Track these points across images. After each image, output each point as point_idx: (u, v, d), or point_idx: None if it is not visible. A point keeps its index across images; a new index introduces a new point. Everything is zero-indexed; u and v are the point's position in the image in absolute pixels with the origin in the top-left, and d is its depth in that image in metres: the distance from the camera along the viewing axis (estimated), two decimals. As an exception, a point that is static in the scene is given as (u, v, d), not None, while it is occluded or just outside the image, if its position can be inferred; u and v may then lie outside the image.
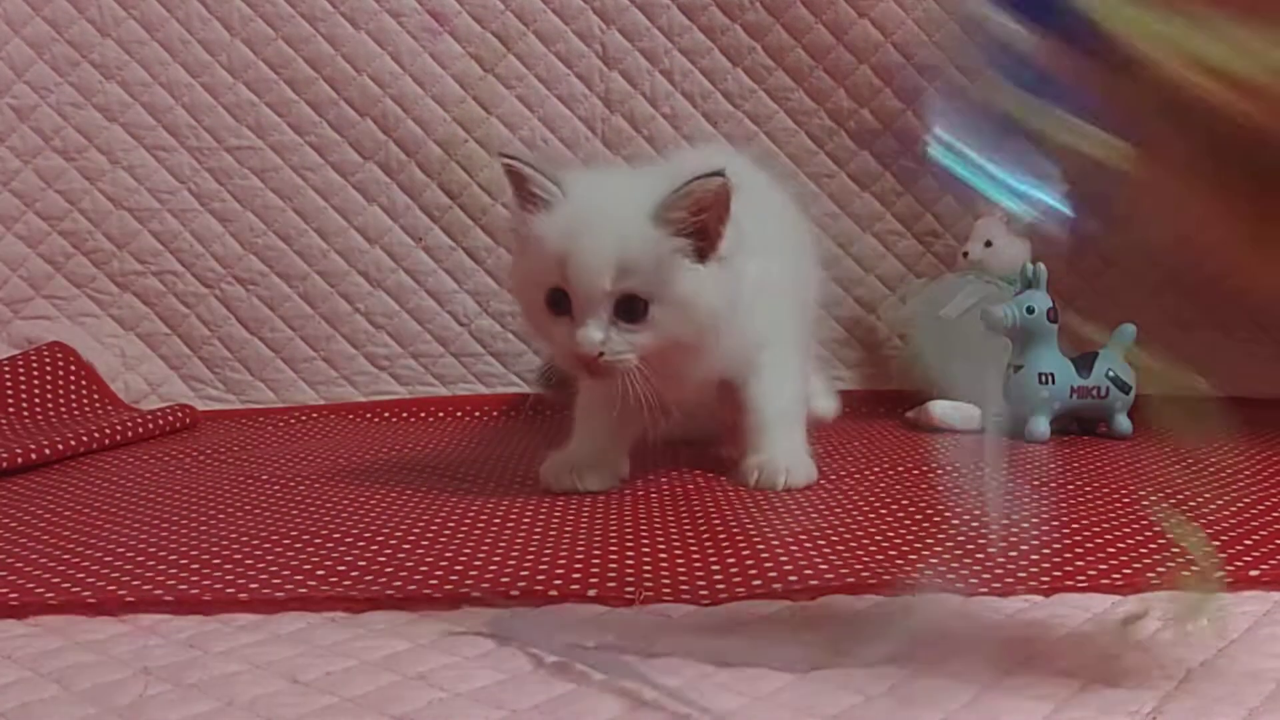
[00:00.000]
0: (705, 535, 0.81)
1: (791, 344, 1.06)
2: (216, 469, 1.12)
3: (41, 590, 0.69)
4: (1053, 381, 1.23)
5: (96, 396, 1.40)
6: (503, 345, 1.51)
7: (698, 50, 1.51)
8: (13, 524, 0.89)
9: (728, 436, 1.09)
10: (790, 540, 0.79)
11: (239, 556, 0.77)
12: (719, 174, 0.87)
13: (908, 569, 0.72)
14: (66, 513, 0.93)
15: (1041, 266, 1.25)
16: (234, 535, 0.83)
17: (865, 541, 0.79)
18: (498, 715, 0.50)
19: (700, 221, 0.89)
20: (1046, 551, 0.75)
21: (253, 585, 0.69)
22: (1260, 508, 0.89)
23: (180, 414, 1.39)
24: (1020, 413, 1.24)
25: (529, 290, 0.92)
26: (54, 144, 1.47)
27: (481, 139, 1.49)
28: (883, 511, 0.88)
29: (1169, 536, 0.59)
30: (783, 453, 1.00)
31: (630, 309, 0.88)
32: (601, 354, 0.88)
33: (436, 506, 0.92)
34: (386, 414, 1.47)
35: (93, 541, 0.82)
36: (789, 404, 1.04)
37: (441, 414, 1.47)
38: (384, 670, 0.56)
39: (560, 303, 0.89)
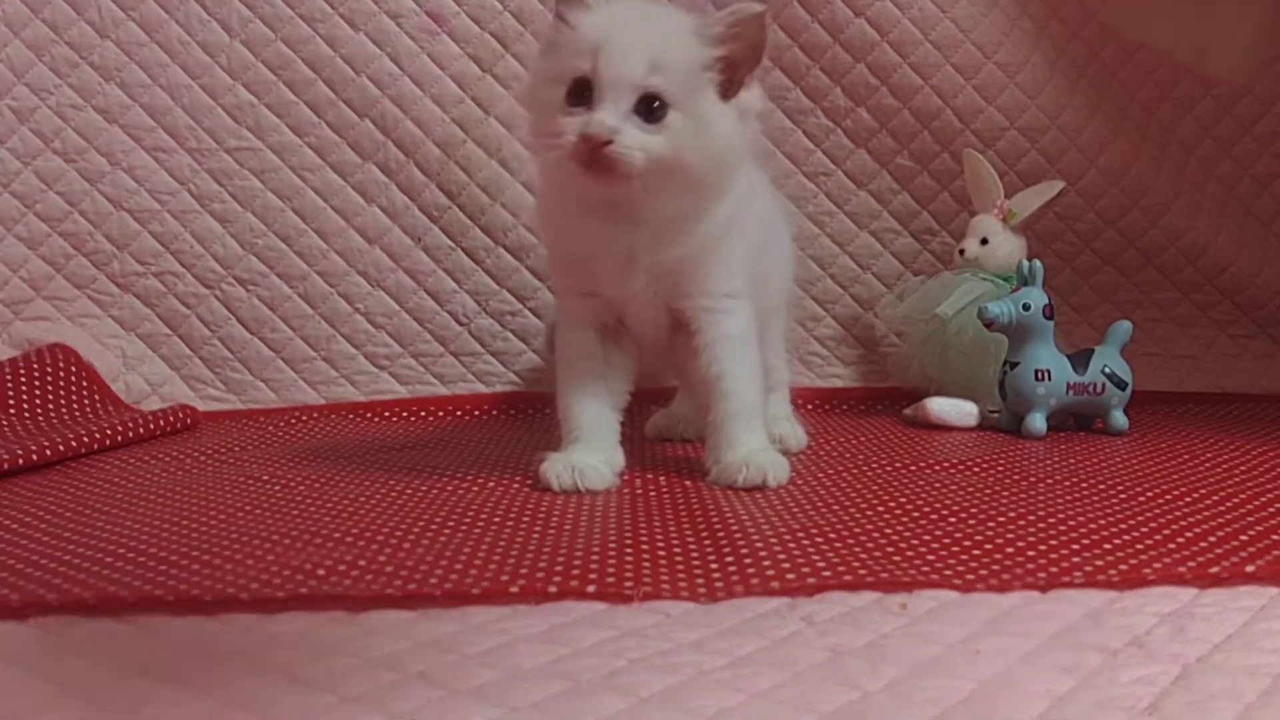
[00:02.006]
0: (704, 532, 0.82)
1: (752, 314, 1.05)
2: (217, 469, 1.12)
3: (42, 591, 0.70)
4: (1049, 378, 1.23)
5: (97, 397, 1.41)
6: (502, 345, 1.51)
7: (695, 49, 1.50)
8: (13, 524, 0.90)
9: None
10: (788, 537, 0.79)
11: (239, 556, 0.77)
12: (762, 10, 0.92)
13: (905, 565, 0.72)
14: (67, 513, 0.93)
15: (1038, 263, 1.26)
16: (234, 535, 0.83)
17: (863, 538, 0.79)
18: (497, 713, 0.50)
19: (729, 56, 0.92)
20: (1043, 547, 0.76)
21: (253, 585, 0.70)
22: (1255, 504, 0.89)
23: (181, 414, 1.39)
24: (1017, 409, 1.25)
25: (549, 88, 0.93)
26: (54, 146, 1.47)
27: (480, 139, 1.49)
28: (880, 509, 0.88)
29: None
30: (760, 447, 1.01)
31: (650, 109, 0.90)
32: (609, 142, 0.88)
33: (436, 505, 0.92)
34: (386, 413, 1.48)
35: (93, 542, 0.82)
36: (758, 396, 1.04)
37: (441, 413, 1.47)
38: (384, 669, 0.56)
39: (582, 94, 0.91)
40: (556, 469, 0.98)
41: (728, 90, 0.94)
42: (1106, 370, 1.25)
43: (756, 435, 1.01)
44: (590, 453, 1.00)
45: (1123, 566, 0.71)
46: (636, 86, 0.89)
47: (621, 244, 0.97)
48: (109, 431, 1.25)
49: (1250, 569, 0.70)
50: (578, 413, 1.02)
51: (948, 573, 0.70)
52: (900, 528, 0.82)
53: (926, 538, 0.79)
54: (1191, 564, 0.71)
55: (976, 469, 1.04)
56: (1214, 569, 0.70)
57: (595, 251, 0.99)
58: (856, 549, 0.76)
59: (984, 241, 1.39)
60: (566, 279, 1.05)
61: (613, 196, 0.93)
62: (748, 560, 0.74)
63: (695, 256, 0.99)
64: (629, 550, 0.77)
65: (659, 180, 0.91)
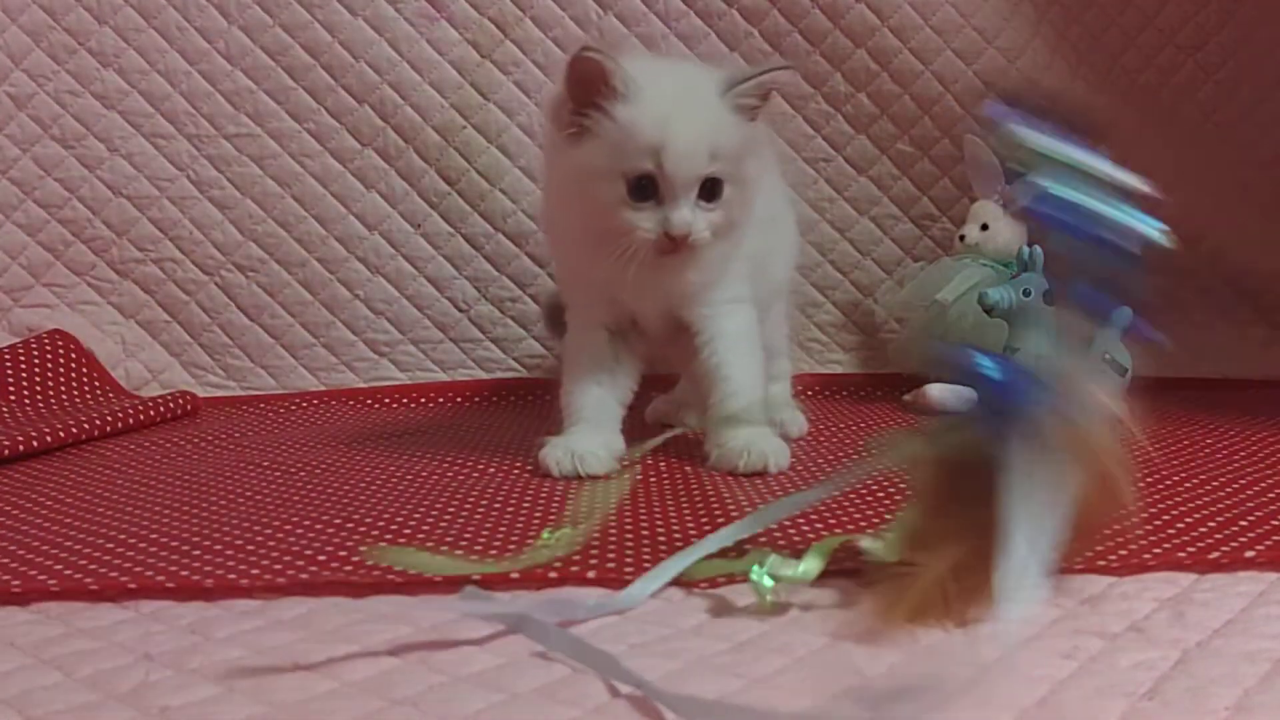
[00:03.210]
0: (704, 518, 0.82)
1: (749, 294, 1.08)
2: (217, 455, 1.12)
3: (44, 577, 0.70)
4: (1050, 364, 1.23)
5: (97, 384, 1.41)
6: (502, 331, 1.51)
7: (695, 35, 1.50)
8: (15, 511, 0.90)
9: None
10: (788, 523, 0.79)
11: (240, 542, 0.77)
12: (789, 67, 0.97)
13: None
14: (68, 500, 0.94)
15: (1038, 249, 1.25)
16: (235, 521, 0.83)
17: (863, 524, 0.79)
18: (498, 699, 0.51)
19: (758, 109, 0.96)
20: (1043, 534, 0.76)
21: (254, 571, 0.70)
22: (1255, 489, 0.89)
23: (181, 401, 1.39)
24: (1018, 396, 1.25)
25: (605, 184, 0.93)
26: (52, 132, 1.46)
27: (479, 125, 1.49)
28: (880, 495, 0.88)
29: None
30: (760, 433, 1.01)
31: (710, 190, 0.94)
32: (689, 233, 0.93)
33: (436, 492, 0.92)
34: (386, 400, 1.48)
35: (94, 528, 0.82)
36: (758, 386, 1.05)
37: (441, 399, 1.47)
38: (385, 655, 0.56)
39: (645, 189, 0.93)
40: (556, 454, 0.98)
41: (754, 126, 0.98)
42: (1106, 356, 1.25)
43: (757, 421, 1.02)
44: (590, 437, 1.00)
45: (1122, 552, 0.71)
46: (700, 178, 0.93)
47: (650, 285, 1.00)
48: (109, 418, 1.25)
49: (1250, 554, 0.70)
50: (580, 399, 1.03)
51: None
52: (899, 513, 0.82)
53: (926, 523, 0.79)
54: (1191, 549, 0.71)
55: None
56: (1214, 554, 0.70)
57: (623, 293, 1.02)
58: (856, 534, 0.76)
59: (984, 227, 1.38)
60: (579, 295, 1.07)
61: (670, 264, 0.97)
62: (747, 546, 0.74)
63: (708, 278, 1.02)
64: (629, 536, 0.77)
65: (709, 245, 0.96)
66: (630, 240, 0.93)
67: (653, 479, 0.97)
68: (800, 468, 1.00)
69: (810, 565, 0.64)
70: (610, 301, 1.04)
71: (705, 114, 0.93)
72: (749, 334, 1.05)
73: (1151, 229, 0.61)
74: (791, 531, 0.77)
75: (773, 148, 1.26)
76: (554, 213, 1.08)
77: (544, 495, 0.91)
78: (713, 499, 0.88)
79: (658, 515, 0.83)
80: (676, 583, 0.67)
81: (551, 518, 0.83)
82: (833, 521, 0.80)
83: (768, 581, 0.63)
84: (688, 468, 1.01)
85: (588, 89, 0.91)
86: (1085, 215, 0.60)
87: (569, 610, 0.61)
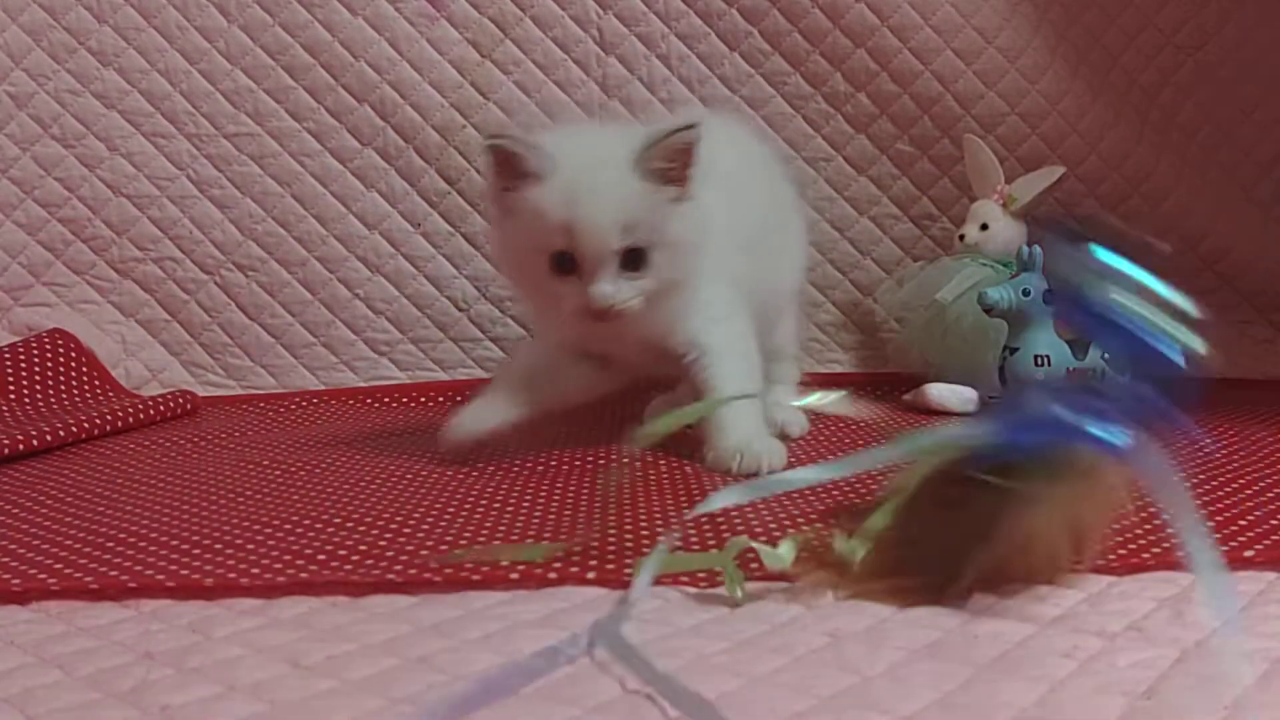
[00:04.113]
0: (702, 518, 0.81)
1: (740, 305, 1.08)
2: (217, 454, 1.13)
3: (44, 576, 0.70)
4: (1048, 364, 1.23)
5: (97, 383, 1.41)
6: (502, 330, 1.51)
7: (695, 35, 1.50)
8: (15, 510, 0.90)
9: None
10: (787, 522, 0.79)
11: (240, 541, 0.77)
12: (694, 125, 0.95)
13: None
14: (68, 499, 0.94)
15: (1038, 249, 1.25)
16: (235, 520, 0.83)
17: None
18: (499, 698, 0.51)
19: (675, 168, 0.96)
20: (1042, 533, 0.76)
21: (254, 570, 0.70)
22: (1255, 489, 0.89)
23: (181, 400, 1.39)
24: (1017, 395, 1.25)
25: (529, 257, 0.97)
26: (52, 131, 1.46)
27: (479, 124, 1.49)
28: (879, 493, 0.88)
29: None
30: (755, 434, 1.01)
31: (633, 259, 0.95)
32: (612, 305, 0.95)
33: (437, 491, 0.92)
34: (386, 399, 1.48)
35: (94, 527, 0.83)
36: (748, 381, 1.05)
37: (441, 399, 1.47)
38: (385, 654, 0.56)
39: (565, 264, 0.95)
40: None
41: (680, 191, 0.97)
42: (1106, 356, 1.25)
43: (752, 422, 1.02)
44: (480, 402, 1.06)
45: (1121, 551, 0.71)
46: (614, 251, 0.94)
47: (607, 339, 1.03)
48: (109, 417, 1.25)
49: (1249, 554, 0.70)
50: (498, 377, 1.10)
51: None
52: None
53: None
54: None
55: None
56: (1213, 554, 0.70)
57: (586, 345, 1.05)
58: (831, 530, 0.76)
59: (984, 227, 1.39)
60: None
61: (621, 335, 1.00)
62: (727, 536, 0.74)
63: (663, 330, 1.03)
64: (629, 535, 0.77)
65: (654, 300, 0.97)
66: (560, 312, 0.97)
67: (652, 477, 0.97)
68: (800, 465, 1.00)
69: (785, 553, 0.66)
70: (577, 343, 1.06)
71: (615, 188, 0.94)
72: (736, 345, 1.06)
73: (1196, 344, 0.66)
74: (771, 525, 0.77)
75: (771, 163, 1.25)
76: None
77: (543, 494, 0.91)
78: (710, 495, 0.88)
79: (657, 515, 0.83)
80: (676, 582, 0.67)
81: (551, 516, 0.83)
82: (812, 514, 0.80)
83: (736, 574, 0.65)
84: (687, 468, 1.01)
85: (507, 171, 0.94)
86: (1146, 328, 0.66)
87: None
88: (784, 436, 1.14)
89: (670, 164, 0.95)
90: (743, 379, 1.04)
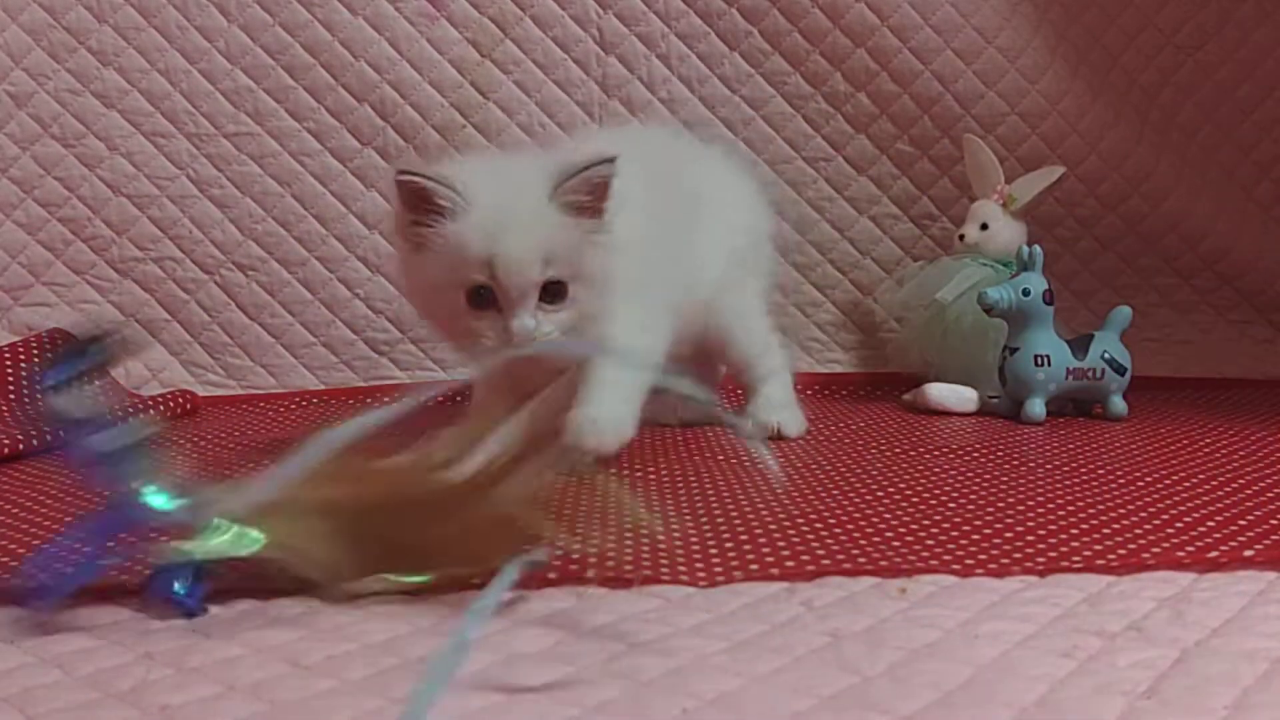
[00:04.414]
0: (703, 517, 0.82)
1: (659, 318, 1.06)
2: (217, 454, 1.12)
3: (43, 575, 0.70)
4: (1049, 363, 1.23)
5: (97, 382, 1.40)
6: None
7: (694, 34, 1.50)
8: (14, 510, 0.90)
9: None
10: (787, 522, 0.79)
11: (240, 541, 0.77)
12: (612, 160, 0.93)
13: (904, 550, 0.72)
14: (67, 498, 0.93)
15: (1038, 249, 1.26)
16: (235, 520, 0.83)
17: (862, 523, 0.79)
18: (498, 698, 0.51)
19: (593, 200, 0.95)
20: (1042, 532, 0.76)
21: (253, 569, 0.70)
22: (1254, 489, 0.89)
23: (181, 399, 1.39)
24: (1016, 394, 1.25)
25: (445, 292, 0.95)
26: (52, 131, 1.46)
27: (479, 124, 1.49)
28: (879, 494, 0.88)
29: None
30: (606, 409, 0.99)
31: (552, 292, 0.94)
32: (533, 338, 0.93)
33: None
34: (386, 399, 1.47)
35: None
36: (617, 370, 1.03)
37: (441, 398, 1.47)
38: (385, 654, 0.56)
39: (483, 298, 0.94)
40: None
41: (596, 223, 0.96)
42: (1106, 356, 1.25)
43: (610, 397, 1.00)
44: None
45: (1121, 551, 0.71)
46: (536, 284, 0.93)
47: (534, 373, 1.00)
48: (108, 417, 1.25)
49: (1249, 553, 0.70)
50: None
51: (946, 557, 0.70)
52: (899, 513, 0.82)
53: (925, 523, 0.79)
54: (1190, 549, 0.71)
55: (976, 454, 1.04)
56: (1213, 553, 0.70)
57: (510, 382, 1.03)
58: (855, 534, 0.76)
59: (984, 227, 1.39)
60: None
61: (543, 366, 0.99)
62: (747, 545, 0.74)
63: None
64: (628, 535, 0.77)
65: (569, 335, 0.96)
66: (478, 347, 0.95)
67: (651, 477, 0.97)
68: (799, 466, 1.00)
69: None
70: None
71: (534, 221, 0.93)
72: (634, 340, 1.03)
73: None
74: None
75: (673, 160, 1.21)
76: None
77: (542, 496, 0.90)
78: (711, 498, 0.88)
79: (656, 514, 0.83)
80: (675, 581, 0.67)
81: (551, 515, 0.83)
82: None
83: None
84: (686, 466, 1.01)
85: (418, 206, 0.92)
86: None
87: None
88: (781, 438, 1.14)
89: (587, 197, 0.94)
90: (626, 362, 1.02)
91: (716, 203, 1.20)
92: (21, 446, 1.12)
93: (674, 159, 1.20)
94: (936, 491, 0.89)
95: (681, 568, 0.69)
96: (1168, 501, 0.84)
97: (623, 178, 0.96)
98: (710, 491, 0.91)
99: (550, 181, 0.93)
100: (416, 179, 0.92)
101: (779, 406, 1.18)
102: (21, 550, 0.76)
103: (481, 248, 0.91)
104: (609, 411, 0.99)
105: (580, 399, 0.99)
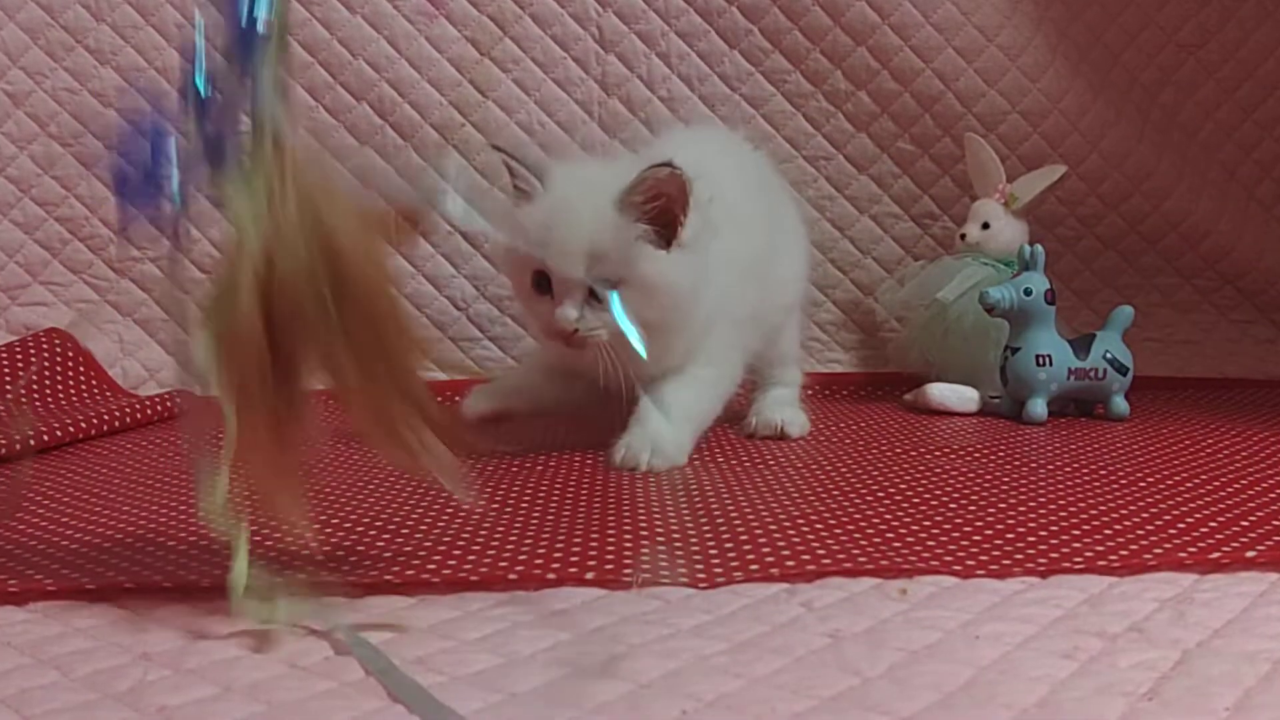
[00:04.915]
0: (703, 518, 0.81)
1: (736, 345, 1.10)
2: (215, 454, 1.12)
3: (41, 576, 0.69)
4: (1050, 363, 1.23)
5: (94, 382, 1.40)
6: (500, 329, 1.51)
7: (695, 32, 1.50)
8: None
9: None
10: (787, 522, 0.79)
11: (238, 542, 0.77)
12: (667, 164, 0.95)
13: (905, 551, 0.72)
14: (65, 498, 0.93)
15: (1039, 248, 1.25)
16: (233, 520, 0.83)
17: (863, 524, 0.79)
18: (496, 699, 0.50)
19: (658, 208, 0.97)
20: (1043, 533, 0.76)
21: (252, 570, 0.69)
22: (1257, 489, 0.89)
23: (179, 399, 1.38)
24: (1018, 395, 1.25)
25: (517, 271, 1.04)
26: (50, 130, 1.46)
27: (478, 123, 1.49)
28: (880, 494, 0.88)
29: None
30: (652, 432, 1.01)
31: (595, 292, 0.98)
32: (576, 330, 0.98)
33: (434, 491, 0.92)
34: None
35: (91, 527, 0.82)
36: (687, 390, 1.05)
37: (439, 398, 1.46)
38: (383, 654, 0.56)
39: (543, 283, 1.00)
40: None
41: (668, 239, 0.98)
42: (1108, 355, 1.25)
43: (660, 419, 1.02)
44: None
45: (1123, 552, 0.71)
46: (581, 281, 0.97)
47: (586, 368, 1.02)
48: (106, 417, 1.25)
49: (1251, 554, 0.70)
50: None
51: (947, 558, 0.70)
52: (900, 513, 0.82)
53: (926, 523, 0.79)
54: (1192, 549, 0.71)
55: (977, 454, 1.04)
56: (1215, 554, 0.70)
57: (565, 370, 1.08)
58: (856, 535, 0.76)
59: (985, 226, 1.38)
60: None
61: (592, 362, 1.00)
62: (747, 546, 0.74)
63: (650, 368, 1.02)
64: (628, 536, 0.77)
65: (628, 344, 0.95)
66: (532, 325, 1.02)
67: (651, 478, 0.97)
68: (800, 467, 1.00)
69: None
70: None
71: (589, 219, 0.97)
72: (685, 394, 1.05)
73: None
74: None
75: (769, 176, 1.25)
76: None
77: (542, 496, 0.90)
78: (711, 498, 0.88)
79: (656, 515, 0.83)
80: (674, 582, 0.67)
81: (549, 518, 0.83)
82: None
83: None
84: (686, 468, 1.01)
85: (511, 181, 1.01)
86: None
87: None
88: (783, 436, 1.14)
89: (651, 202, 0.96)
90: (687, 387, 1.05)
91: (793, 220, 1.24)
92: (19, 446, 1.11)
93: (770, 179, 1.24)
94: (937, 492, 0.89)
95: (681, 568, 0.69)
96: (1170, 502, 0.84)
97: (723, 190, 1.01)
98: (710, 491, 0.91)
99: (621, 185, 0.97)
100: (503, 156, 1.01)
101: (784, 405, 1.18)
102: (20, 552, 0.76)
103: (537, 235, 0.97)
104: (669, 433, 1.01)
105: (642, 414, 1.02)
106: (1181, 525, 0.77)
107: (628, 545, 0.74)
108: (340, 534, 0.78)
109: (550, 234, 0.97)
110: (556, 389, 1.10)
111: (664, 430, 1.01)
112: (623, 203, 0.97)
